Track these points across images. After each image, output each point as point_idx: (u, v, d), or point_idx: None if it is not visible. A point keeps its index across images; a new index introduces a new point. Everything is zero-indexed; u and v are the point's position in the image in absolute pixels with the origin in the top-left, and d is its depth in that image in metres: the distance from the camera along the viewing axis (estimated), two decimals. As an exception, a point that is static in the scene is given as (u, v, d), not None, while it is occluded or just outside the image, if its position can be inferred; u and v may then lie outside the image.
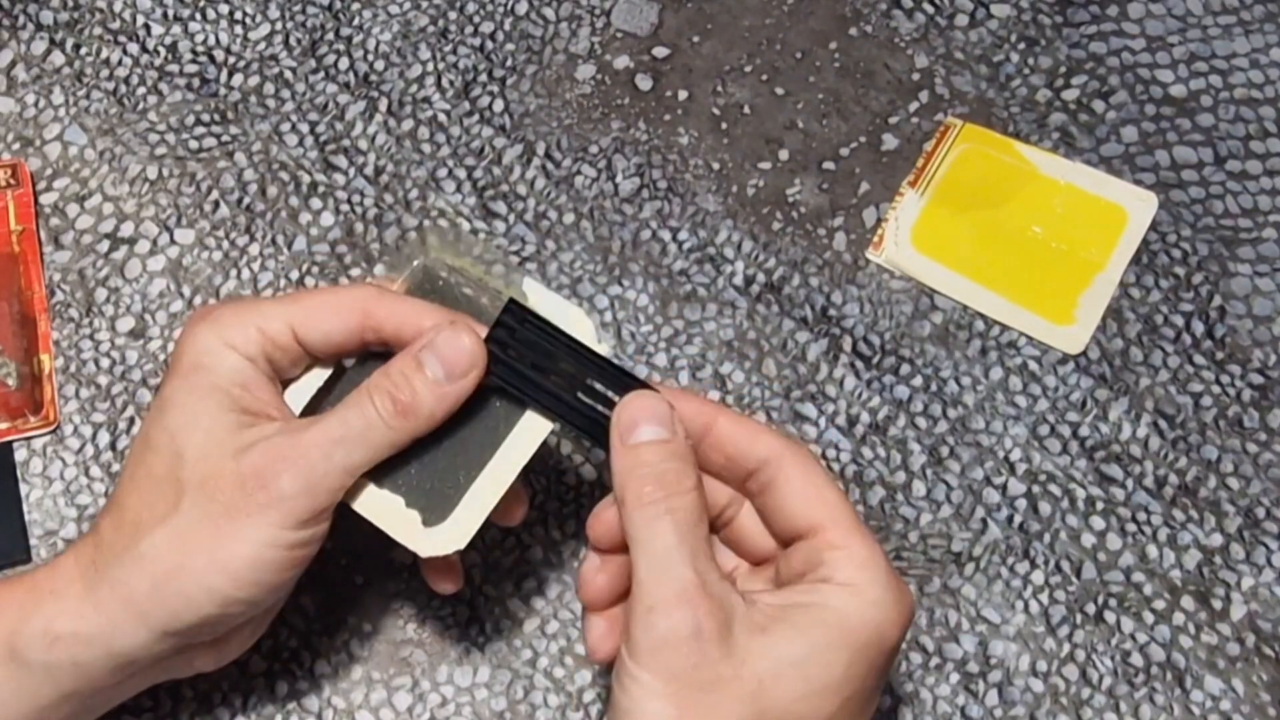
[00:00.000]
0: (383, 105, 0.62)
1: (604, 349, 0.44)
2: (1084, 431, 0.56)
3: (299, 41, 0.63)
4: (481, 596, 0.53)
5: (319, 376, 0.46)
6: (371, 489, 0.44)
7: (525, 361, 0.44)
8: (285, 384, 0.46)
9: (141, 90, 0.62)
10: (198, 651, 0.45)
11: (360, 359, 0.46)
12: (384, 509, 0.44)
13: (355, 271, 0.58)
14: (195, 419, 0.43)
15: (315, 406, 0.46)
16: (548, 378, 0.44)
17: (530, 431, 0.45)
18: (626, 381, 0.44)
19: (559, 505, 0.54)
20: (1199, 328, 0.58)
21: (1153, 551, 0.54)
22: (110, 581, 0.42)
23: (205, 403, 0.43)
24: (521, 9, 0.64)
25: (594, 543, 0.44)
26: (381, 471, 0.44)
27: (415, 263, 0.47)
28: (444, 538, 0.44)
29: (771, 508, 0.43)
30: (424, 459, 0.45)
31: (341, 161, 0.61)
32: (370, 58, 0.63)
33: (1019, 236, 0.60)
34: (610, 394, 0.44)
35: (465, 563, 0.53)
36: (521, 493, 0.48)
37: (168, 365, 0.44)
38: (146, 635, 0.42)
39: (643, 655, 0.40)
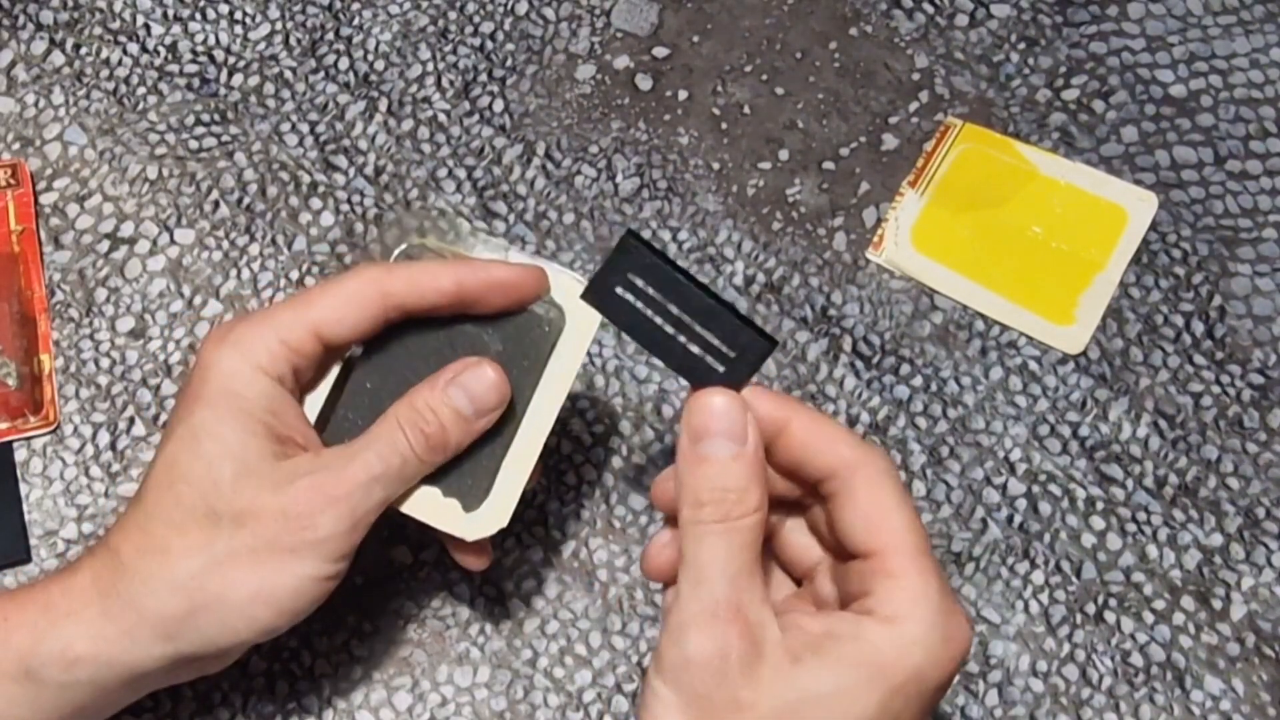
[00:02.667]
0: (383, 105, 0.62)
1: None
2: (1084, 431, 0.56)
3: (299, 41, 0.63)
4: (481, 596, 0.53)
5: (327, 381, 0.46)
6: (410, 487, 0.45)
7: (639, 299, 0.42)
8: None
9: (141, 90, 0.62)
10: (207, 662, 0.45)
11: (365, 352, 0.46)
12: (426, 504, 0.45)
13: (355, 271, 0.58)
14: (230, 449, 0.42)
15: (329, 410, 0.46)
16: (659, 318, 0.41)
17: (549, 402, 0.46)
18: (735, 328, 0.41)
19: (559, 505, 0.54)
20: (1199, 328, 0.58)
21: (1153, 551, 0.54)
22: (135, 606, 0.42)
23: (239, 432, 0.43)
24: (521, 9, 0.64)
25: (656, 505, 0.44)
26: None
27: (400, 248, 0.47)
28: (486, 519, 0.45)
29: (835, 522, 0.41)
30: None
31: (341, 161, 0.61)
32: (370, 58, 0.63)
33: (1019, 236, 0.60)
34: (718, 343, 0.41)
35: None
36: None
37: (189, 388, 0.44)
38: (169, 655, 0.43)
39: (667, 671, 0.39)
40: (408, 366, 0.46)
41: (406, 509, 0.45)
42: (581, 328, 0.46)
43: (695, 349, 0.41)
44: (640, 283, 0.41)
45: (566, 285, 0.46)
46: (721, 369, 0.41)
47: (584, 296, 0.42)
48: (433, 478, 0.45)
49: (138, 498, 0.44)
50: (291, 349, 0.43)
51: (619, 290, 0.42)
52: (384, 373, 0.46)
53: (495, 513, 0.45)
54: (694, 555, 0.40)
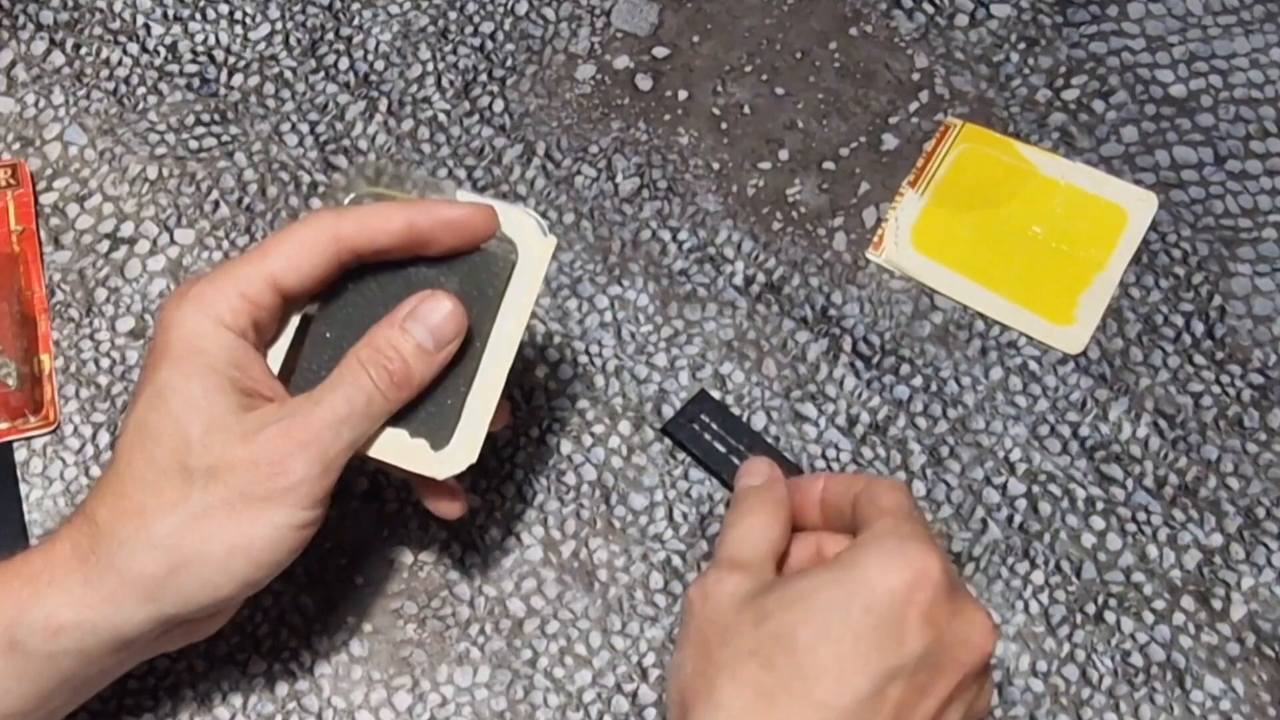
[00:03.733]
0: (383, 105, 0.62)
1: (550, 241, 0.46)
2: (1084, 431, 0.56)
3: (299, 41, 0.63)
4: (481, 596, 0.53)
5: (288, 333, 0.46)
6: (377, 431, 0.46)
7: (703, 430, 0.55)
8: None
9: (141, 90, 0.62)
10: (195, 626, 0.45)
11: (322, 303, 0.46)
12: (394, 447, 0.46)
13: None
14: (197, 405, 0.43)
15: (291, 363, 0.46)
16: (716, 443, 0.55)
17: (508, 336, 0.46)
18: (770, 450, 0.55)
19: (559, 505, 0.54)
20: (1199, 328, 0.58)
21: (1153, 551, 0.54)
22: (116, 569, 0.42)
23: (205, 387, 0.43)
24: (521, 9, 0.64)
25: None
26: None
27: (350, 196, 0.48)
28: (455, 456, 0.46)
29: (854, 518, 0.47)
30: None
31: (341, 161, 0.61)
32: (370, 58, 0.63)
33: (1019, 236, 0.60)
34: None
35: (466, 564, 0.53)
36: (504, 399, 0.49)
37: (153, 350, 0.44)
38: (153, 618, 0.43)
39: (686, 611, 0.45)
40: (365, 312, 0.46)
41: (375, 453, 0.45)
42: (534, 261, 0.46)
43: (733, 462, 0.55)
44: (705, 419, 0.56)
45: (518, 219, 0.46)
46: None
47: (664, 429, 0.56)
48: (399, 419, 0.46)
49: (111, 463, 0.44)
50: (251, 301, 0.44)
51: (690, 424, 0.56)
52: (342, 321, 0.46)
53: (463, 449, 0.46)
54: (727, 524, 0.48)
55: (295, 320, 0.46)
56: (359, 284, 0.46)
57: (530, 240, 0.46)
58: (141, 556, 0.42)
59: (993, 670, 0.50)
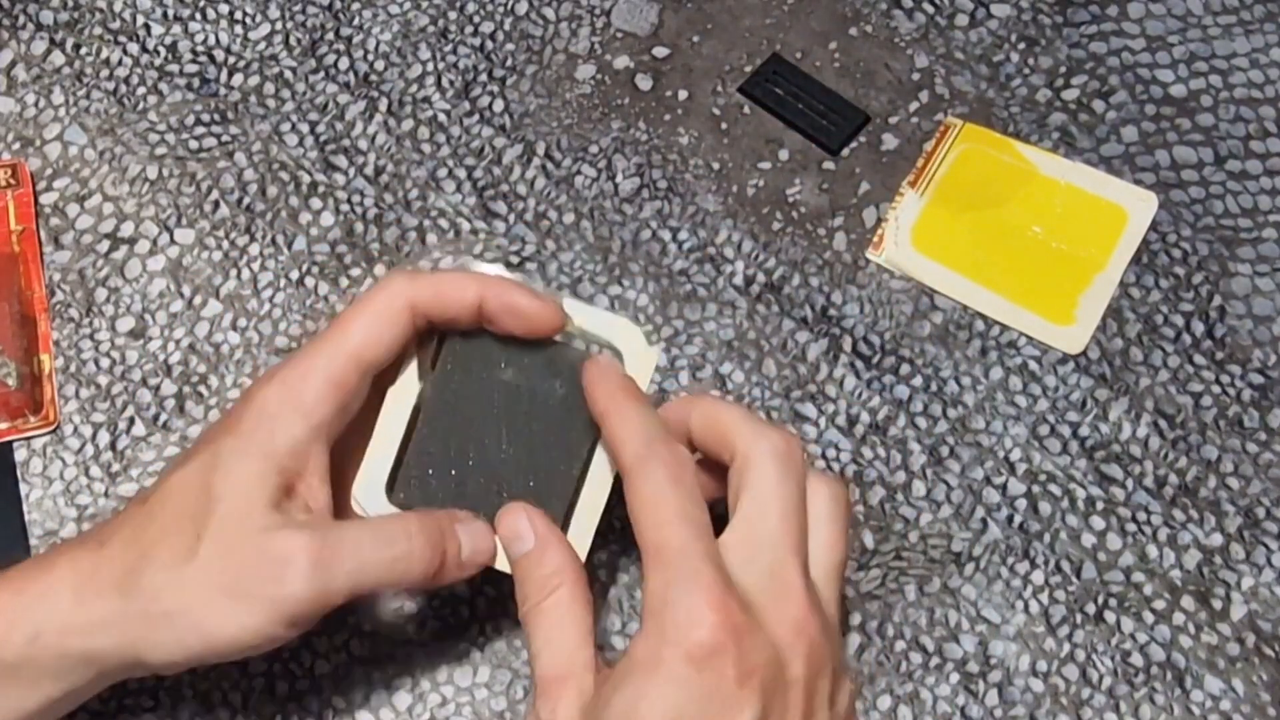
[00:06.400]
0: (383, 105, 0.62)
1: (655, 351, 0.47)
2: (1084, 431, 0.56)
3: (299, 41, 0.63)
4: (481, 597, 0.53)
5: (399, 424, 0.47)
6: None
7: (778, 89, 0.61)
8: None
9: (141, 90, 0.62)
10: (156, 666, 0.45)
11: (433, 393, 0.47)
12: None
13: (355, 271, 0.58)
14: (237, 482, 0.43)
15: (400, 456, 0.47)
16: (790, 98, 0.61)
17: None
18: (841, 105, 0.62)
19: (559, 505, 0.54)
20: (1199, 328, 0.58)
21: (1153, 551, 0.54)
22: (105, 596, 0.43)
23: (253, 469, 0.43)
24: (521, 9, 0.64)
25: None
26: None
27: None
28: None
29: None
30: (528, 489, 0.48)
31: (341, 161, 0.61)
32: (370, 58, 0.63)
33: (1019, 236, 0.60)
34: (826, 114, 0.62)
35: (465, 563, 0.53)
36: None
37: (228, 417, 0.45)
38: (120, 657, 0.43)
39: None
40: (471, 420, 0.47)
41: (497, 565, 0.47)
42: (640, 370, 0.47)
43: (813, 117, 0.61)
44: (783, 80, 0.62)
45: (625, 330, 0.47)
46: (832, 128, 0.61)
47: (741, 89, 0.62)
48: None
49: (142, 500, 0.45)
50: (337, 385, 0.44)
51: (767, 85, 0.61)
52: (448, 429, 0.47)
53: (575, 549, 0.47)
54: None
55: (407, 412, 0.47)
56: (466, 383, 0.47)
57: (636, 349, 0.47)
58: (129, 595, 0.43)
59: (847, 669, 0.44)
